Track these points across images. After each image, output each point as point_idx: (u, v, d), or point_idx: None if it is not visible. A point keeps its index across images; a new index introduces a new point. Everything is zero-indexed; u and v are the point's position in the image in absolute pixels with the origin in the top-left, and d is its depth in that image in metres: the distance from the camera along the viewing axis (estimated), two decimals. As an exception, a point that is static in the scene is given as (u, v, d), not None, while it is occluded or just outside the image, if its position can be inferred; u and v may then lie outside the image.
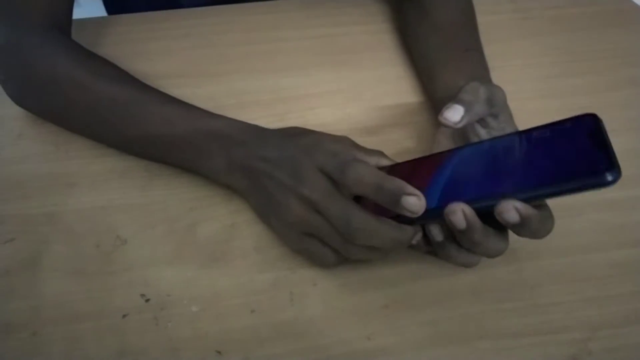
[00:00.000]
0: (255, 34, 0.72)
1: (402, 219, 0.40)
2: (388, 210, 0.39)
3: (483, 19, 0.64)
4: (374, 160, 0.45)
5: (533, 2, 0.78)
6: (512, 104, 0.49)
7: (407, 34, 0.69)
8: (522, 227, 0.37)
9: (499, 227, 0.38)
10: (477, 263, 0.43)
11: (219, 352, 0.41)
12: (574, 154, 0.35)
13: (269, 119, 0.59)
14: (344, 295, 0.45)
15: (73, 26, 0.62)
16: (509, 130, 0.46)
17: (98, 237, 0.48)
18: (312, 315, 0.44)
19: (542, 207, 0.38)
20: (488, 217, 0.38)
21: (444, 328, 0.43)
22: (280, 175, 0.44)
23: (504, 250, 0.41)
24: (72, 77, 0.52)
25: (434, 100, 0.58)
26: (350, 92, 0.64)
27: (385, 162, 0.45)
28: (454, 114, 0.43)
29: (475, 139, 0.47)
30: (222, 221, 0.50)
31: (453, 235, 0.40)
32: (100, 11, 0.87)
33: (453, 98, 0.45)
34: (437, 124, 0.52)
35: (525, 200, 0.36)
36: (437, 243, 0.42)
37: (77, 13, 0.65)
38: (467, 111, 0.43)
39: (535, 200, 0.36)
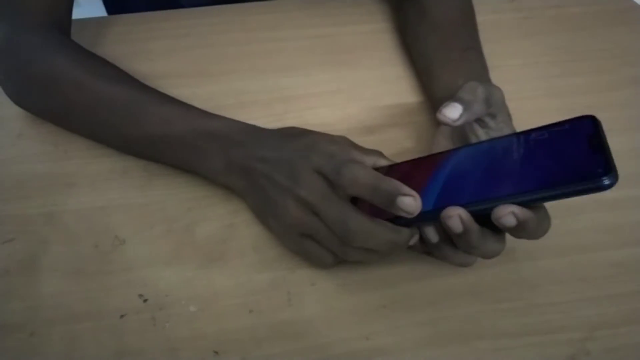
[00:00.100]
0: (255, 34, 0.72)
1: (399, 221, 0.40)
2: (385, 212, 0.39)
3: (483, 19, 0.64)
4: (371, 161, 0.45)
5: (533, 2, 0.78)
6: (512, 104, 0.49)
7: (407, 33, 0.69)
8: (519, 230, 0.37)
9: (496, 229, 0.38)
10: (473, 263, 0.43)
11: (216, 353, 0.41)
12: (571, 157, 0.35)
13: (269, 119, 0.59)
14: (342, 295, 0.45)
15: (73, 26, 0.62)
16: (506, 130, 0.46)
17: (97, 237, 0.48)
18: (310, 316, 0.44)
19: (539, 208, 0.38)
20: (485, 219, 0.37)
21: (443, 328, 0.43)
22: (277, 177, 0.44)
23: (501, 252, 0.41)
24: (71, 77, 0.52)
25: (433, 100, 0.58)
26: (350, 92, 0.64)
27: (383, 162, 0.45)
28: (453, 112, 0.43)
29: (473, 139, 0.47)
30: (220, 221, 0.50)
31: (449, 237, 0.40)
32: (100, 11, 0.87)
33: (452, 97, 0.45)
34: (437, 123, 0.52)
35: (522, 204, 0.36)
36: (433, 244, 0.42)
37: (77, 13, 0.65)
38: (465, 110, 0.43)
39: (532, 203, 0.36)
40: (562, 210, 0.42)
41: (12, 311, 0.43)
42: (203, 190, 0.52)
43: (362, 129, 0.59)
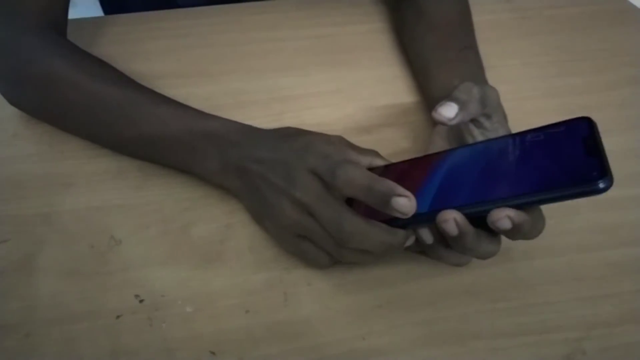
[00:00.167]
0: (253, 34, 0.72)
1: (394, 223, 0.40)
2: (381, 213, 0.39)
3: (480, 19, 0.64)
4: (367, 160, 0.45)
5: (530, 2, 0.78)
6: (510, 104, 0.49)
7: (404, 33, 0.69)
8: (515, 233, 0.37)
9: (491, 230, 0.38)
10: (468, 262, 0.43)
11: (213, 353, 0.41)
12: (567, 160, 0.35)
13: (266, 119, 0.59)
14: (339, 295, 0.45)
15: (70, 26, 0.62)
16: (501, 130, 0.46)
17: (92, 238, 0.48)
18: (307, 316, 0.44)
19: (533, 209, 0.38)
20: (480, 220, 0.37)
21: (439, 328, 0.43)
22: (273, 178, 0.44)
23: (496, 252, 0.41)
24: (67, 77, 0.52)
25: (430, 100, 0.58)
26: (347, 92, 0.64)
27: (379, 162, 0.45)
28: (448, 111, 0.43)
29: (469, 139, 0.47)
30: (216, 222, 0.50)
31: (443, 238, 0.40)
32: (96, 11, 0.87)
33: (448, 97, 0.45)
34: (433, 124, 0.52)
35: (517, 207, 0.36)
36: (427, 245, 0.42)
37: (73, 13, 0.65)
38: (460, 109, 0.43)
39: (527, 206, 0.36)
40: (558, 210, 0.42)
41: (8, 311, 0.43)
42: (199, 190, 0.52)
43: (359, 128, 0.59)
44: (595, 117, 0.36)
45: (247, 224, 0.49)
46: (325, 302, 0.45)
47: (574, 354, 0.41)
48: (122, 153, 0.54)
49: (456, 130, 0.49)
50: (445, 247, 0.42)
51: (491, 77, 0.56)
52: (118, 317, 0.43)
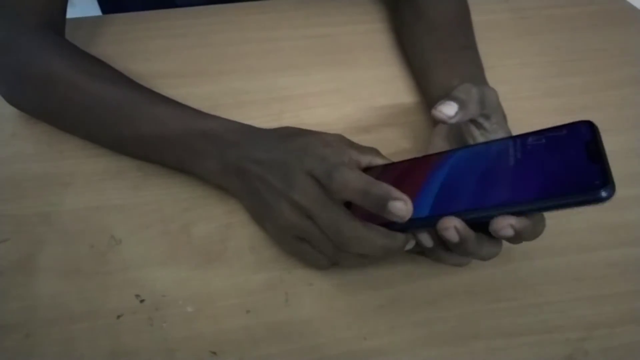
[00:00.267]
0: (252, 34, 0.72)
1: (394, 226, 0.40)
2: (380, 217, 0.38)
3: (480, 19, 0.64)
4: (367, 159, 0.45)
5: (529, 2, 0.79)
6: (509, 104, 0.49)
7: (403, 33, 0.69)
8: (516, 238, 0.37)
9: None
10: (468, 263, 0.43)
11: (214, 353, 0.41)
12: (568, 169, 0.34)
13: (266, 119, 0.59)
14: (340, 295, 0.45)
15: (68, 26, 0.62)
16: (501, 131, 0.46)
17: (92, 237, 0.48)
18: (308, 316, 0.44)
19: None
20: (481, 223, 0.37)
21: (439, 328, 0.43)
22: (272, 179, 0.43)
23: (497, 254, 0.41)
24: (65, 77, 0.52)
25: (429, 100, 0.58)
26: (347, 92, 0.64)
27: (378, 161, 0.45)
28: (448, 109, 0.43)
29: (469, 140, 0.47)
30: (217, 221, 0.50)
31: (443, 241, 0.40)
32: (95, 10, 0.87)
33: (447, 96, 0.45)
34: (433, 123, 0.52)
35: (518, 214, 0.35)
36: (427, 248, 0.42)
37: (72, 12, 0.64)
38: (460, 108, 0.43)
39: (528, 213, 0.36)
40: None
41: (8, 311, 0.43)
42: (199, 190, 0.51)
43: (358, 128, 0.59)
44: (595, 117, 0.36)
45: (248, 223, 0.49)
46: (326, 302, 0.44)
47: (576, 354, 0.41)
48: (122, 153, 0.54)
49: (456, 131, 0.49)
50: (445, 249, 0.42)
51: (490, 77, 0.56)
52: (118, 317, 0.43)
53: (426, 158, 0.43)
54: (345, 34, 0.72)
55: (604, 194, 0.32)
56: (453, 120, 0.43)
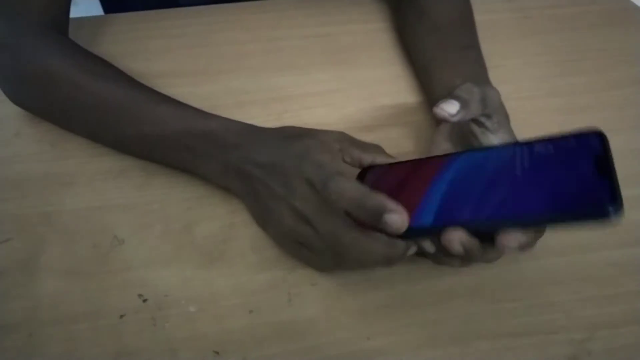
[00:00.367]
0: (253, 33, 0.72)
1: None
2: None
3: (482, 18, 0.64)
4: (370, 158, 0.45)
5: (532, 2, 0.78)
6: (512, 103, 0.49)
7: (405, 33, 0.69)
8: (520, 249, 0.36)
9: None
10: (470, 264, 0.43)
11: (217, 353, 0.41)
12: (576, 186, 0.33)
13: (267, 118, 0.59)
14: (343, 295, 0.45)
15: (70, 25, 0.62)
16: (502, 130, 0.46)
17: (95, 237, 0.48)
18: (311, 316, 0.44)
19: None
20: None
21: (443, 328, 0.43)
22: (272, 184, 0.43)
23: (500, 257, 0.41)
24: (67, 76, 0.52)
25: (431, 99, 0.58)
26: (348, 91, 0.64)
27: (381, 159, 0.45)
28: (450, 107, 0.43)
29: (472, 139, 0.47)
30: (220, 221, 0.49)
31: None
32: (97, 10, 0.87)
33: (449, 95, 0.45)
34: (435, 123, 0.52)
35: (523, 228, 0.35)
36: (430, 253, 0.41)
37: (74, 12, 0.64)
38: (462, 107, 0.43)
39: (533, 228, 0.35)
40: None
41: (10, 311, 0.43)
42: (202, 189, 0.51)
43: (360, 128, 0.59)
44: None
45: (250, 223, 0.49)
46: (329, 302, 0.44)
47: (580, 354, 0.41)
48: (124, 152, 0.54)
49: (458, 131, 0.49)
50: (448, 254, 0.41)
51: (493, 76, 0.56)
52: (121, 316, 0.43)
53: (430, 161, 0.43)
54: (347, 34, 0.72)
55: (613, 216, 0.31)
56: (455, 119, 0.43)
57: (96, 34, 0.70)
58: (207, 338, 0.42)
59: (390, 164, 0.45)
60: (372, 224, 0.38)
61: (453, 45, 0.60)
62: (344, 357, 0.41)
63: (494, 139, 0.46)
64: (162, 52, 0.68)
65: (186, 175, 0.52)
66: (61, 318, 0.43)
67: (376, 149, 0.46)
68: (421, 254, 0.44)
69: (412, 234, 0.38)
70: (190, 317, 0.43)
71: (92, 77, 0.52)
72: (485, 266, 0.46)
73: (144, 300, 0.44)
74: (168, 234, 0.48)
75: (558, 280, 0.46)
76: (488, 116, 0.45)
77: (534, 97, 0.63)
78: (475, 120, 0.46)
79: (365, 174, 0.46)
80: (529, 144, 0.38)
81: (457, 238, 0.36)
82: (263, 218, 0.46)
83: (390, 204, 0.37)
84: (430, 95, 0.59)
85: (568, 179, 0.34)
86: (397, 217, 0.37)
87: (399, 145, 0.57)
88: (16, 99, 0.57)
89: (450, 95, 0.44)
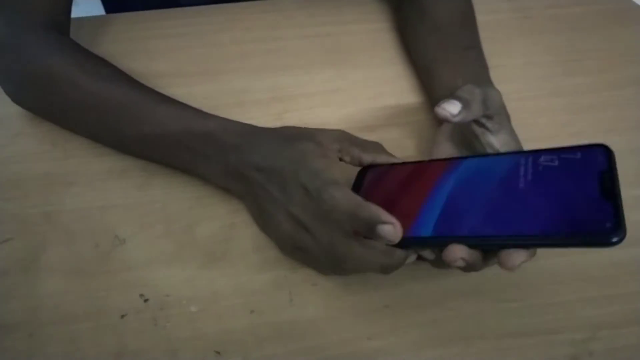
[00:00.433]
0: (254, 33, 0.72)
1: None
2: None
3: (483, 18, 0.64)
4: (369, 157, 0.45)
5: (533, 1, 0.78)
6: (514, 104, 0.49)
7: (406, 33, 0.69)
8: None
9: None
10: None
11: (218, 353, 0.41)
12: (579, 204, 0.33)
13: (268, 118, 0.59)
14: (344, 295, 0.45)
15: (71, 25, 0.62)
16: (504, 131, 0.46)
17: (96, 237, 0.48)
18: (312, 316, 0.44)
19: None
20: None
21: (445, 328, 0.43)
22: (271, 189, 0.43)
23: None
24: (67, 76, 0.52)
25: (433, 99, 0.58)
26: (350, 91, 0.64)
27: (382, 158, 0.45)
28: (452, 107, 0.43)
29: (473, 140, 0.47)
30: (221, 221, 0.49)
31: None
32: (98, 10, 0.87)
33: (450, 96, 0.44)
34: (437, 123, 0.52)
35: (522, 246, 0.35)
36: (429, 260, 0.41)
37: (75, 11, 0.64)
38: (463, 107, 0.43)
39: (532, 247, 0.35)
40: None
41: (11, 311, 0.43)
42: (203, 189, 0.51)
43: (361, 128, 0.59)
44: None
45: (251, 223, 0.49)
46: (330, 302, 0.44)
47: (581, 354, 0.41)
48: (125, 153, 0.54)
49: (460, 131, 0.49)
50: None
51: (494, 76, 0.56)
52: (122, 316, 0.43)
53: (431, 165, 0.43)
54: (348, 33, 0.72)
55: (614, 240, 0.31)
56: (456, 119, 0.43)
57: (96, 33, 0.70)
58: (208, 338, 0.42)
59: (390, 167, 0.44)
60: (366, 234, 0.38)
61: (454, 45, 0.60)
62: (345, 357, 0.41)
63: (494, 139, 0.46)
64: (162, 52, 0.68)
65: (187, 175, 0.52)
66: (62, 318, 0.43)
67: (376, 147, 0.46)
68: (421, 257, 0.44)
69: (410, 243, 0.38)
70: (192, 317, 0.43)
71: (92, 77, 0.52)
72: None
73: (145, 300, 0.44)
74: (169, 233, 0.48)
75: (559, 280, 0.46)
76: (489, 117, 0.45)
77: (535, 97, 0.63)
78: (476, 121, 0.46)
79: (366, 172, 0.46)
80: (534, 154, 0.37)
81: (458, 255, 0.36)
82: (262, 221, 0.46)
83: (384, 215, 0.37)
84: (432, 95, 0.59)
85: (571, 198, 0.33)
86: (390, 229, 0.36)
87: (401, 145, 0.57)
88: (17, 99, 0.57)
89: (451, 95, 0.44)
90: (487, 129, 0.46)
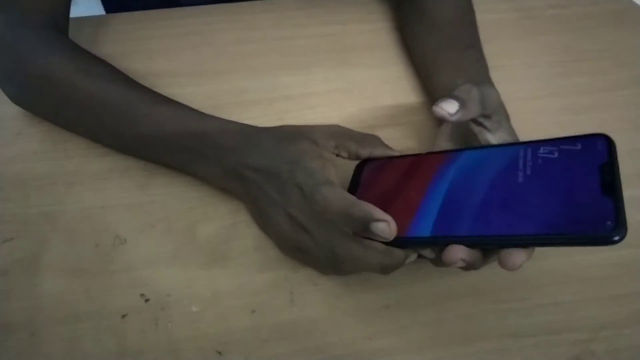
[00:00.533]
0: (255, 33, 0.72)
1: (395, 242, 0.38)
2: None
3: (483, 18, 0.64)
4: (366, 151, 0.45)
5: (533, 2, 0.78)
6: (514, 104, 0.49)
7: (406, 33, 0.69)
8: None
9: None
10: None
11: (219, 353, 0.41)
12: (580, 201, 0.32)
13: (268, 118, 0.59)
14: (345, 295, 0.45)
15: (71, 25, 0.62)
16: (502, 130, 0.46)
17: (97, 237, 0.48)
18: (313, 316, 0.44)
19: None
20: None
21: (446, 328, 0.43)
22: (269, 190, 0.43)
23: None
24: (65, 76, 0.52)
25: (433, 99, 0.58)
26: (350, 91, 0.64)
27: (379, 151, 0.45)
28: (449, 106, 0.43)
29: (473, 139, 0.47)
30: (222, 220, 0.49)
31: None
32: (98, 9, 0.87)
33: (448, 95, 0.44)
34: (437, 123, 0.52)
35: (522, 245, 0.34)
36: (429, 258, 0.41)
37: (75, 11, 0.64)
38: (461, 107, 0.43)
39: (532, 246, 0.35)
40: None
41: (13, 311, 0.43)
42: (204, 189, 0.51)
43: (362, 128, 0.58)
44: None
45: (252, 223, 0.49)
46: (331, 302, 0.44)
47: (583, 355, 0.41)
48: (125, 153, 0.54)
49: (460, 131, 0.49)
50: None
51: (495, 76, 0.55)
52: (123, 316, 0.43)
53: (428, 158, 0.43)
54: (349, 33, 0.72)
55: (616, 238, 0.31)
56: (454, 118, 0.43)
57: (96, 33, 0.70)
58: (210, 338, 0.42)
59: (387, 161, 0.44)
60: (360, 233, 0.38)
61: (454, 45, 0.60)
62: (346, 357, 0.41)
63: (493, 138, 0.46)
64: (162, 51, 0.68)
65: (188, 175, 0.52)
66: (63, 318, 0.43)
67: (374, 140, 0.46)
68: (421, 256, 0.44)
69: (409, 243, 0.38)
70: (193, 317, 0.43)
71: (91, 77, 0.52)
72: (488, 266, 0.45)
73: (146, 300, 0.44)
74: (170, 233, 0.48)
75: (561, 280, 0.46)
76: (487, 116, 0.45)
77: (535, 98, 0.63)
78: (474, 121, 0.46)
79: (364, 166, 0.46)
80: (534, 146, 0.37)
81: (458, 256, 0.36)
82: (262, 221, 0.46)
83: (377, 212, 0.37)
84: (432, 95, 0.59)
85: (571, 195, 0.33)
86: (384, 226, 0.36)
87: (401, 145, 0.56)
88: (17, 99, 0.57)
89: (449, 95, 0.44)
90: (485, 127, 0.46)
